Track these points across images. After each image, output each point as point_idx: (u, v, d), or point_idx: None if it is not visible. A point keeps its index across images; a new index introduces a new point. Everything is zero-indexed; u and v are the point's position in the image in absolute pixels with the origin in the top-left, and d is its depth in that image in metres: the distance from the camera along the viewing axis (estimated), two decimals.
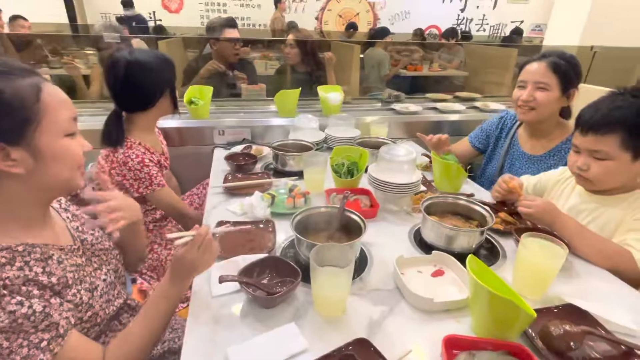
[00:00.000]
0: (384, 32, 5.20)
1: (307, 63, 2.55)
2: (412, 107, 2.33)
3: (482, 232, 1.01)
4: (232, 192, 1.31)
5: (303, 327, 0.77)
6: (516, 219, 1.20)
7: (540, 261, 0.83)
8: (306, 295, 0.85)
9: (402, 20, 7.25)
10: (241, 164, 1.48)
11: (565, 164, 1.15)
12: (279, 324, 0.77)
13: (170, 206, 1.40)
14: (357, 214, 1.01)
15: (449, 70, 4.93)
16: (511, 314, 0.69)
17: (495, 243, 1.09)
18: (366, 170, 1.30)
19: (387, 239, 1.09)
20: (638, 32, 2.47)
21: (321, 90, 2.11)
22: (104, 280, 0.82)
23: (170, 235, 0.77)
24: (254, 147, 1.70)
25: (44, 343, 0.62)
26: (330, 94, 2.08)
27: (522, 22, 7.42)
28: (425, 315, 0.81)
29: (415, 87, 4.70)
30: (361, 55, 3.54)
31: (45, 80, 0.67)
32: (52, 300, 0.66)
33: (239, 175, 1.43)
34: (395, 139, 2.06)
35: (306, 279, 0.83)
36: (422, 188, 1.35)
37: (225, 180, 1.38)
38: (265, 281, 0.86)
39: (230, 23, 2.40)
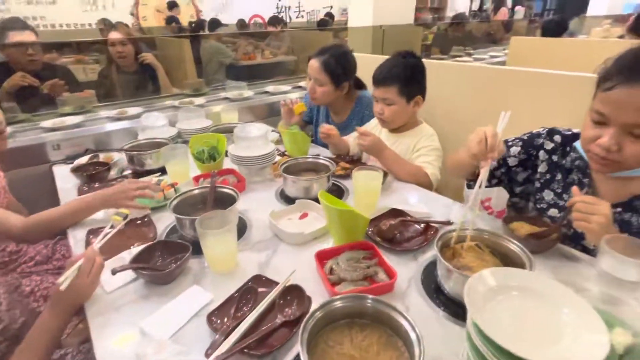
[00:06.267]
0: (215, 24, 5.22)
1: (135, 62, 2.45)
2: (245, 93, 2.48)
3: (328, 178, 1.30)
4: None
5: (205, 286, 0.89)
6: (351, 166, 1.54)
7: (366, 184, 1.15)
8: (200, 264, 0.96)
9: (225, 11, 7.31)
10: (92, 174, 1.41)
11: (360, 121, 1.68)
12: (181, 291, 0.87)
13: None
14: (229, 187, 1.15)
15: (280, 56, 5.31)
16: (353, 221, 0.97)
17: (340, 185, 1.40)
18: (227, 154, 1.44)
19: (258, 204, 1.27)
20: (410, 11, 3.23)
21: None
22: None
23: (62, 287, 0.76)
24: (102, 155, 1.61)
25: None
26: None
27: (331, 7, 8.43)
28: (301, 247, 1.03)
29: (252, 75, 4.91)
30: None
31: None
32: None
33: (95, 185, 1.36)
34: (244, 123, 2.23)
35: (196, 251, 0.94)
36: (278, 158, 1.57)
37: (81, 192, 1.30)
38: (157, 264, 0.93)
39: (15, 25, 2.05)
